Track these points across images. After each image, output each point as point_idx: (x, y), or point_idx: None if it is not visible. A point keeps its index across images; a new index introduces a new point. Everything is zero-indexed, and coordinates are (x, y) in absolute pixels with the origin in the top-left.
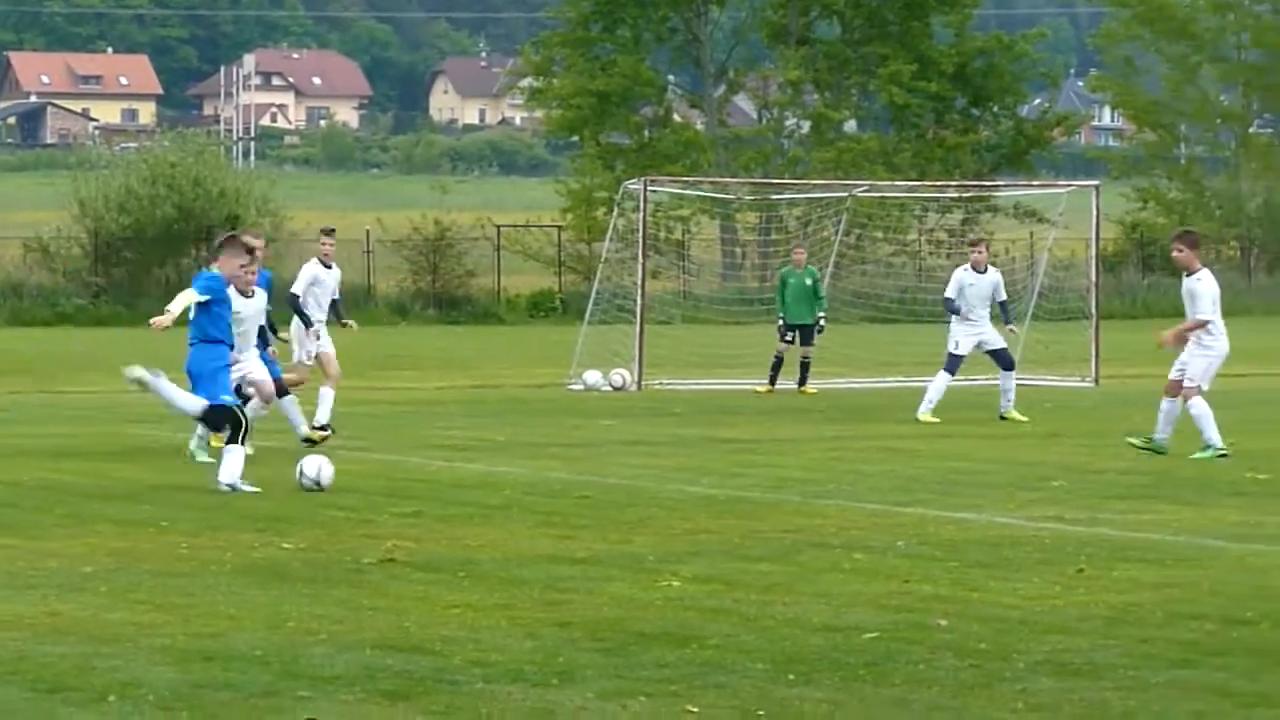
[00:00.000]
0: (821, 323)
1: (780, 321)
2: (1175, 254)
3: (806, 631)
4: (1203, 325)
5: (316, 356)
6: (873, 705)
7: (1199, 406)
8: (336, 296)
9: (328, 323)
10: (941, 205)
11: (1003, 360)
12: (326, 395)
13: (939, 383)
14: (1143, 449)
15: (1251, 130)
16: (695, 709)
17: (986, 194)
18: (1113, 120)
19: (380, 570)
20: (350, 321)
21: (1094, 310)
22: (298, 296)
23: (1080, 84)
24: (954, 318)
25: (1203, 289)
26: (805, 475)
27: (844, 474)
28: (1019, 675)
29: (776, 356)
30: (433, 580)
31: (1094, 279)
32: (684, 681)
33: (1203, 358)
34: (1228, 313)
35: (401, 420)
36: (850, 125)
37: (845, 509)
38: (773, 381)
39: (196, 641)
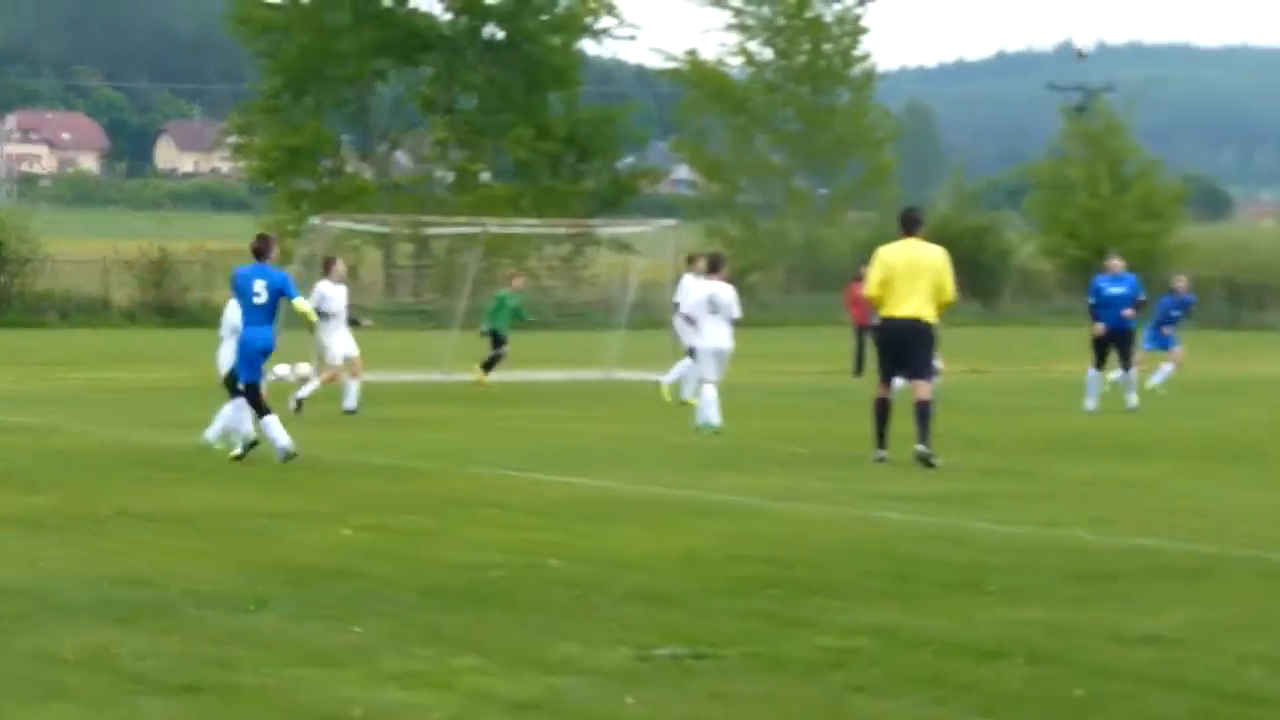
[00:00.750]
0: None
1: (488, 331)
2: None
3: (448, 570)
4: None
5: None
6: (499, 627)
7: (708, 393)
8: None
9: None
10: (555, 239)
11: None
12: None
13: (679, 368)
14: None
15: (794, 183)
16: (359, 630)
17: (590, 230)
18: (688, 174)
19: (115, 522)
20: (366, 321)
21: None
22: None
23: (663, 145)
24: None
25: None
26: (450, 448)
27: (480, 447)
28: (613, 603)
29: (494, 356)
30: (157, 529)
31: (674, 298)
32: (351, 608)
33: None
34: (775, 324)
35: (131, 404)
36: (486, 176)
37: (481, 474)
38: (486, 370)
39: None
